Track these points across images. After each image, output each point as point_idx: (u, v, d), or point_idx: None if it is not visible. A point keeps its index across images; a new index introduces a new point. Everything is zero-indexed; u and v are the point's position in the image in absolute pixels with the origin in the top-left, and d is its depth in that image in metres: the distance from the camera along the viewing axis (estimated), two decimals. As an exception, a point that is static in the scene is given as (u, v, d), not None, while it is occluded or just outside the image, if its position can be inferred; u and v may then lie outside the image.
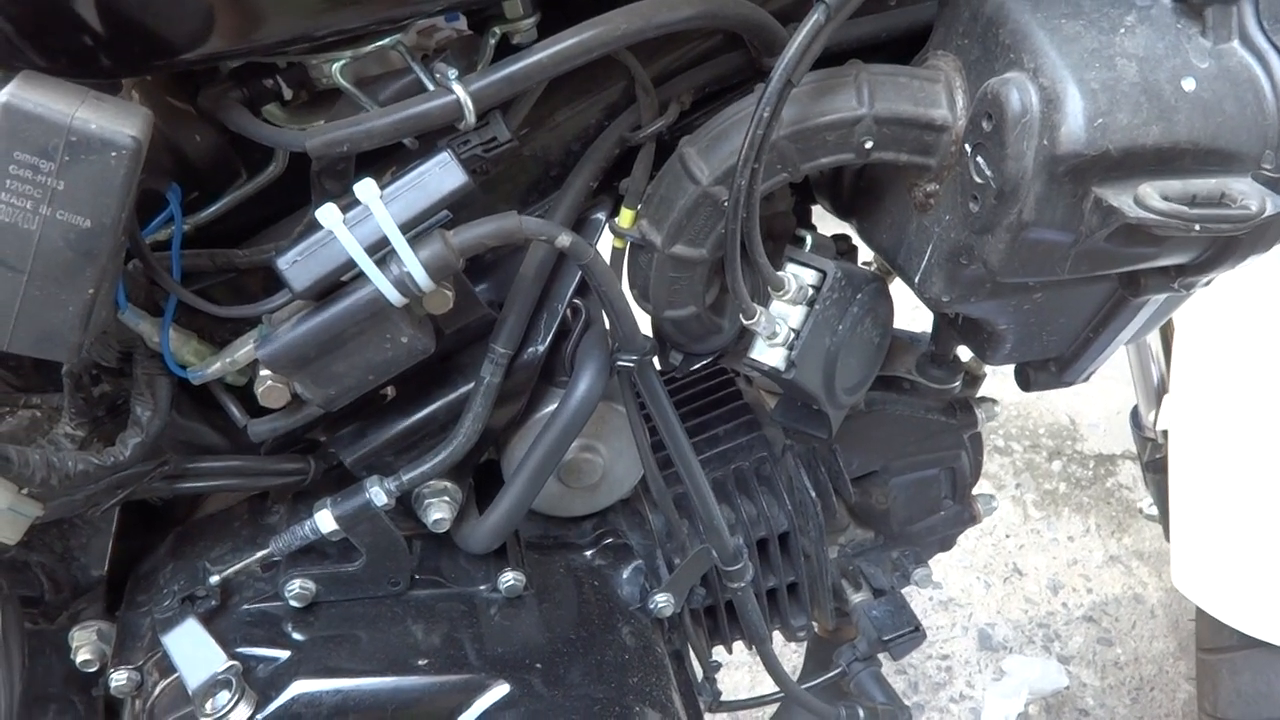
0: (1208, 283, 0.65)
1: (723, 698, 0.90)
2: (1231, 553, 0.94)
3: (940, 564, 1.67)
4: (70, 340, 0.50)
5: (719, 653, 0.91)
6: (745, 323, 0.65)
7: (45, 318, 0.49)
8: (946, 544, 0.96)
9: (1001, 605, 1.62)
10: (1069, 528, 1.72)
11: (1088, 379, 0.75)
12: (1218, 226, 0.53)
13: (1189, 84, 0.55)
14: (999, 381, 1.98)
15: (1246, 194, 0.53)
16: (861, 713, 0.85)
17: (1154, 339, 1.19)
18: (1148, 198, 0.53)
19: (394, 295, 0.56)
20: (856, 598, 0.91)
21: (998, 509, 1.72)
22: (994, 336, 0.70)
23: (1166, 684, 1.49)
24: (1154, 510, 1.46)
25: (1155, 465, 1.22)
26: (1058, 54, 0.55)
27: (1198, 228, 0.52)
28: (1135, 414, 1.26)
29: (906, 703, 1.50)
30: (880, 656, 0.92)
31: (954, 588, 1.64)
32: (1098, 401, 1.90)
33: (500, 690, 0.65)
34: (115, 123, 0.46)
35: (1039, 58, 0.55)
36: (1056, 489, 1.78)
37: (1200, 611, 1.00)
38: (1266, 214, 0.53)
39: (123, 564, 0.78)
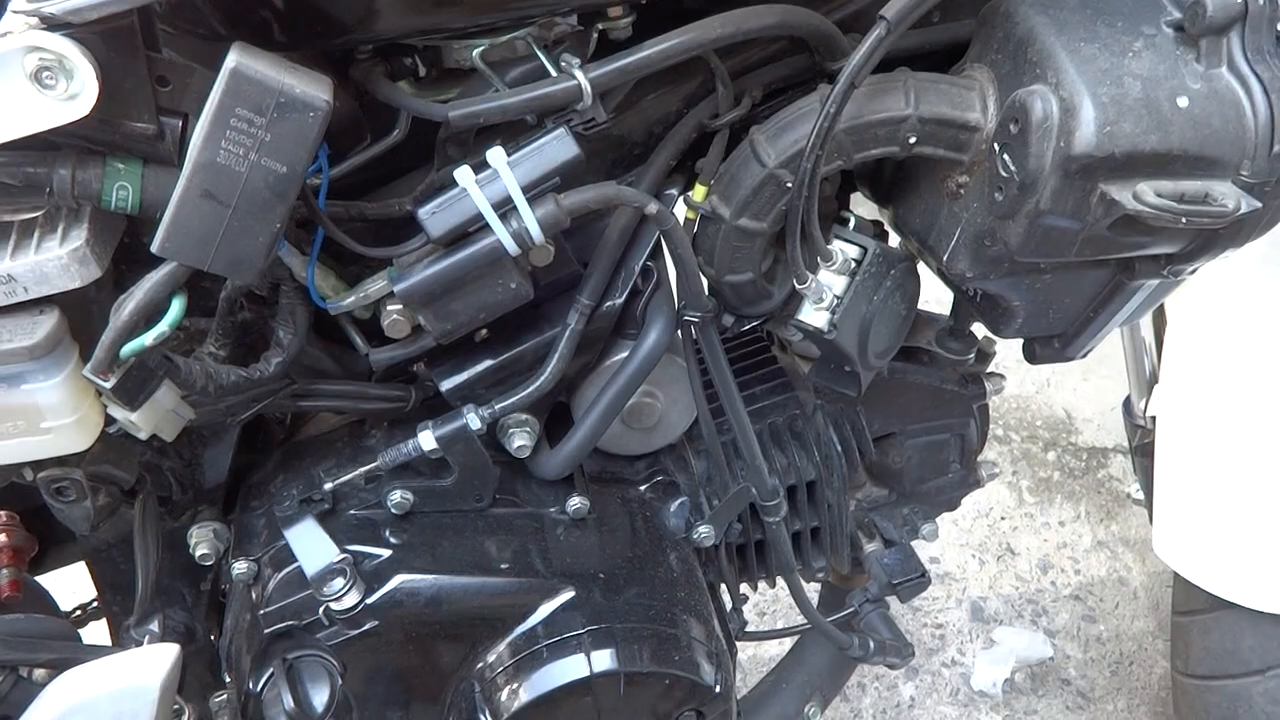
0: (1193, 271, 0.76)
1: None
2: (1206, 522, 1.05)
3: (939, 542, 1.78)
4: (256, 265, 0.61)
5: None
6: (798, 287, 0.76)
7: (241, 245, 0.59)
8: (953, 504, 1.08)
9: (994, 581, 1.73)
10: (1060, 513, 1.83)
11: (1085, 355, 0.86)
12: (1201, 220, 0.64)
13: (1183, 101, 0.66)
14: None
15: (1226, 195, 0.65)
16: (871, 643, 0.96)
17: (1148, 333, 1.30)
18: (1144, 194, 0.64)
19: (512, 246, 0.67)
20: (870, 547, 1.02)
21: (995, 494, 1.84)
22: (1007, 312, 0.81)
23: (1145, 659, 1.60)
24: (1140, 495, 1.56)
25: (1143, 450, 1.33)
26: (1076, 71, 0.66)
27: (1184, 221, 0.64)
28: (1127, 403, 1.37)
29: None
30: (890, 602, 1.03)
31: (950, 563, 1.76)
32: (1093, 398, 2.01)
33: (567, 594, 0.76)
34: (313, 88, 0.57)
35: (1060, 74, 0.66)
36: (1050, 477, 1.90)
37: (1177, 577, 1.11)
38: (1242, 212, 0.64)
39: (232, 477, 0.89)
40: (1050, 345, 0.86)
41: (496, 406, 0.78)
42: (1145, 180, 0.65)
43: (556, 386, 0.79)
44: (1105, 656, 1.62)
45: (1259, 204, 0.66)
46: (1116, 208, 0.65)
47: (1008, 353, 2.14)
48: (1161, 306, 1.18)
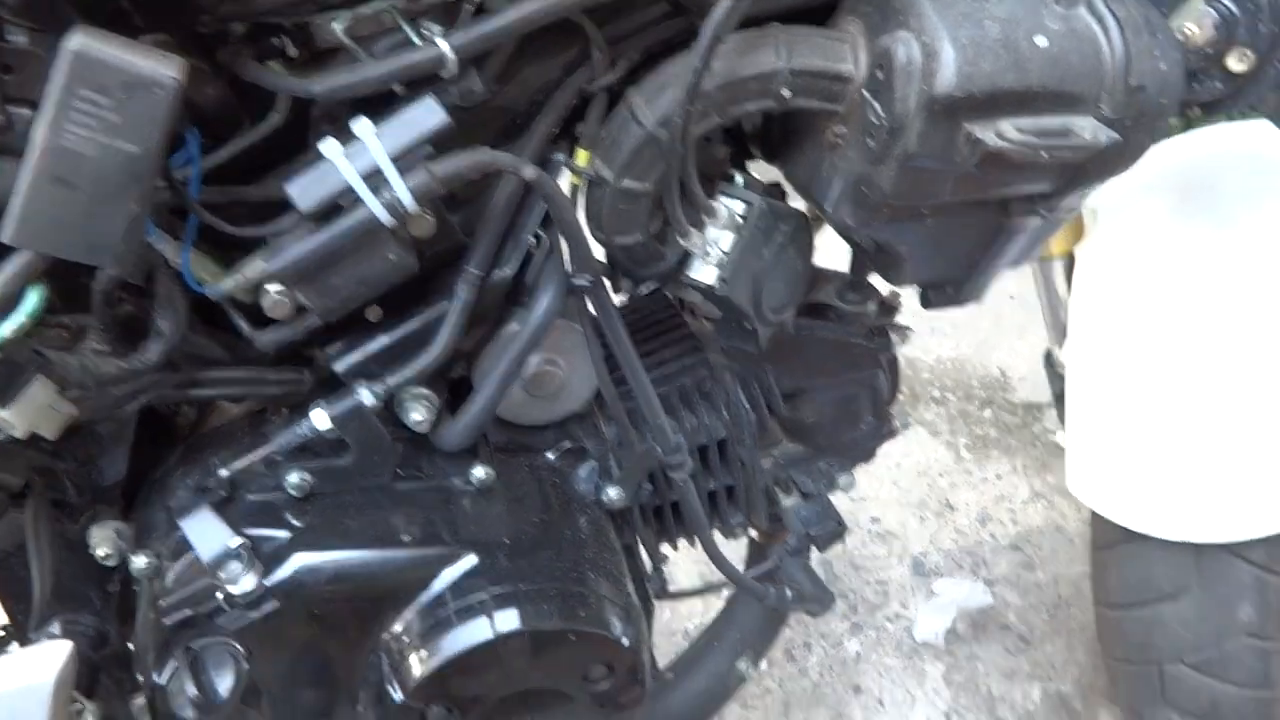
0: (1071, 210, 0.77)
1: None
2: (1115, 457, 1.07)
3: (880, 502, 1.81)
4: (116, 250, 0.60)
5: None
6: (682, 242, 0.76)
7: (97, 230, 0.59)
8: (868, 455, 1.09)
9: (934, 536, 1.76)
10: (997, 467, 1.86)
11: (980, 299, 0.87)
12: (1062, 154, 0.65)
13: (1042, 41, 0.67)
14: (938, 340, 2.11)
15: (1085, 128, 0.66)
16: (789, 593, 0.98)
17: (1061, 286, 1.32)
18: (1006, 131, 0.65)
19: (385, 216, 0.67)
20: (788, 501, 1.03)
21: (934, 453, 1.87)
22: (896, 259, 0.82)
23: (1082, 601, 1.63)
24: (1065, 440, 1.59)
25: (1064, 398, 1.35)
26: (937, 16, 0.66)
27: (1045, 155, 0.65)
28: (1048, 355, 1.40)
29: (847, 622, 1.64)
30: (830, 562, 1.05)
31: (891, 522, 1.78)
32: (1028, 356, 2.04)
33: (470, 560, 0.77)
34: (161, 66, 0.56)
35: (922, 19, 0.67)
36: (987, 434, 1.92)
37: (1094, 514, 1.14)
38: (1101, 144, 0.65)
39: (134, 476, 0.88)
40: (944, 291, 0.87)
41: (390, 382, 0.77)
42: (1008, 119, 0.66)
43: (450, 358, 0.79)
44: (1044, 601, 1.66)
45: (1118, 137, 0.67)
46: (980, 146, 0.65)
47: (943, 315, 2.17)
48: (1073, 258, 1.20)
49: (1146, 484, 1.04)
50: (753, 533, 1.15)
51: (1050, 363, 1.39)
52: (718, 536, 1.02)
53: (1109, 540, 1.12)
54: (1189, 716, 1.14)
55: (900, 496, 1.80)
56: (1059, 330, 1.35)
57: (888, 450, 1.93)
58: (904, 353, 2.10)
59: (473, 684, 0.76)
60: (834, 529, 1.01)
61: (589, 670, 0.79)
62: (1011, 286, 2.13)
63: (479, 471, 0.83)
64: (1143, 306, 1.06)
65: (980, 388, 1.99)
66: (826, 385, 1.01)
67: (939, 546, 1.74)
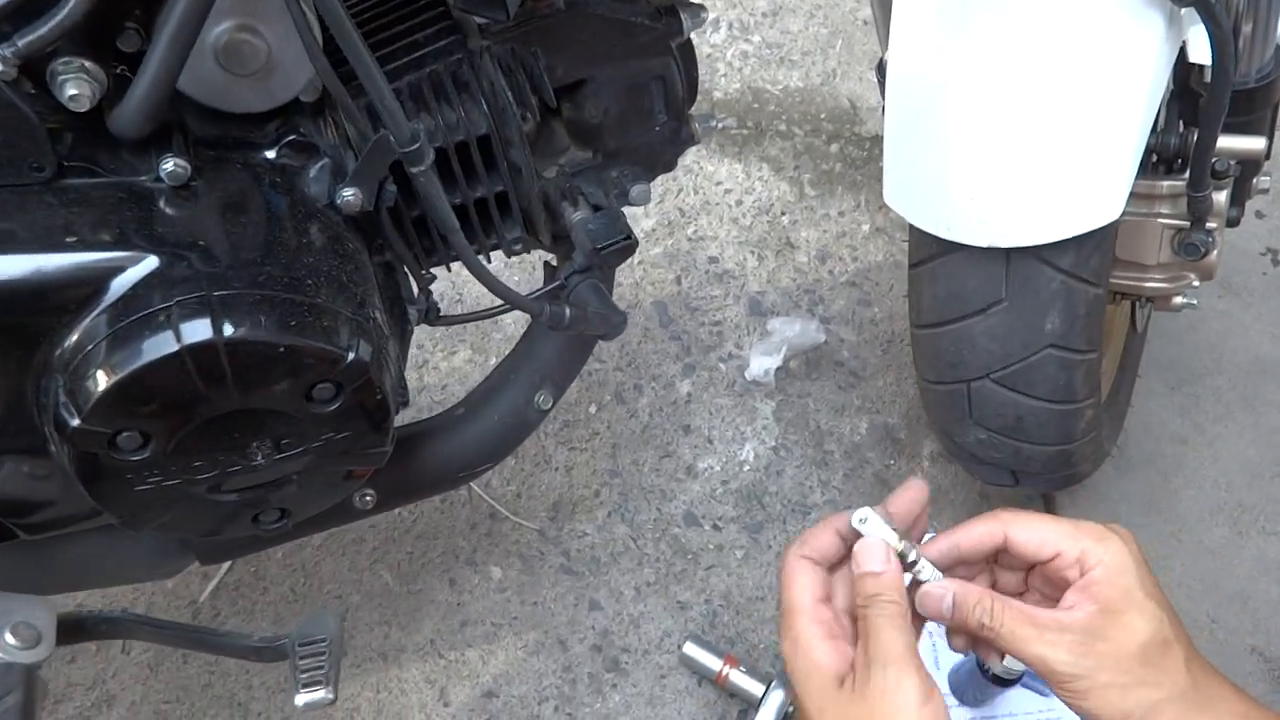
0: None
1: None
2: (929, 167, 0.99)
3: (718, 242, 1.73)
4: None
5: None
6: None
7: None
8: (669, 164, 0.98)
9: (772, 276, 1.70)
10: (841, 204, 1.79)
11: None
12: None
13: None
14: (785, 71, 1.98)
15: None
16: (568, 311, 0.89)
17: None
18: None
19: None
20: (575, 215, 0.93)
21: (776, 190, 1.78)
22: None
23: (913, 336, 1.60)
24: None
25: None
26: None
27: None
28: (880, 64, 1.28)
29: (679, 364, 1.59)
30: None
31: (729, 262, 1.71)
32: (877, 87, 1.92)
33: (149, 264, 0.64)
34: None
35: None
36: (833, 169, 1.84)
37: (910, 229, 1.07)
38: None
39: None
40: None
41: (21, 44, 0.62)
42: None
43: (108, 18, 0.64)
44: (878, 337, 1.63)
45: None
46: None
47: (793, 42, 2.03)
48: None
49: (959, 192, 0.97)
50: (549, 259, 1.05)
51: (881, 72, 1.29)
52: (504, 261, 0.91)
53: (924, 255, 1.06)
54: (994, 433, 1.13)
55: (740, 235, 1.73)
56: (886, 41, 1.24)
57: (729, 188, 1.87)
58: (749, 84, 1.98)
59: (166, 406, 0.66)
60: (623, 244, 0.91)
61: (312, 391, 0.69)
62: (865, 11, 2.00)
63: (169, 165, 0.69)
64: (959, 9, 0.94)
65: (828, 121, 1.88)
66: (609, 76, 0.88)
67: (777, 286, 1.68)
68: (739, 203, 1.76)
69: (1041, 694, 1.24)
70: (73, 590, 0.92)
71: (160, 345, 0.63)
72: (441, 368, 1.56)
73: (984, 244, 0.96)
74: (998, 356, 1.05)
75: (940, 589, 0.68)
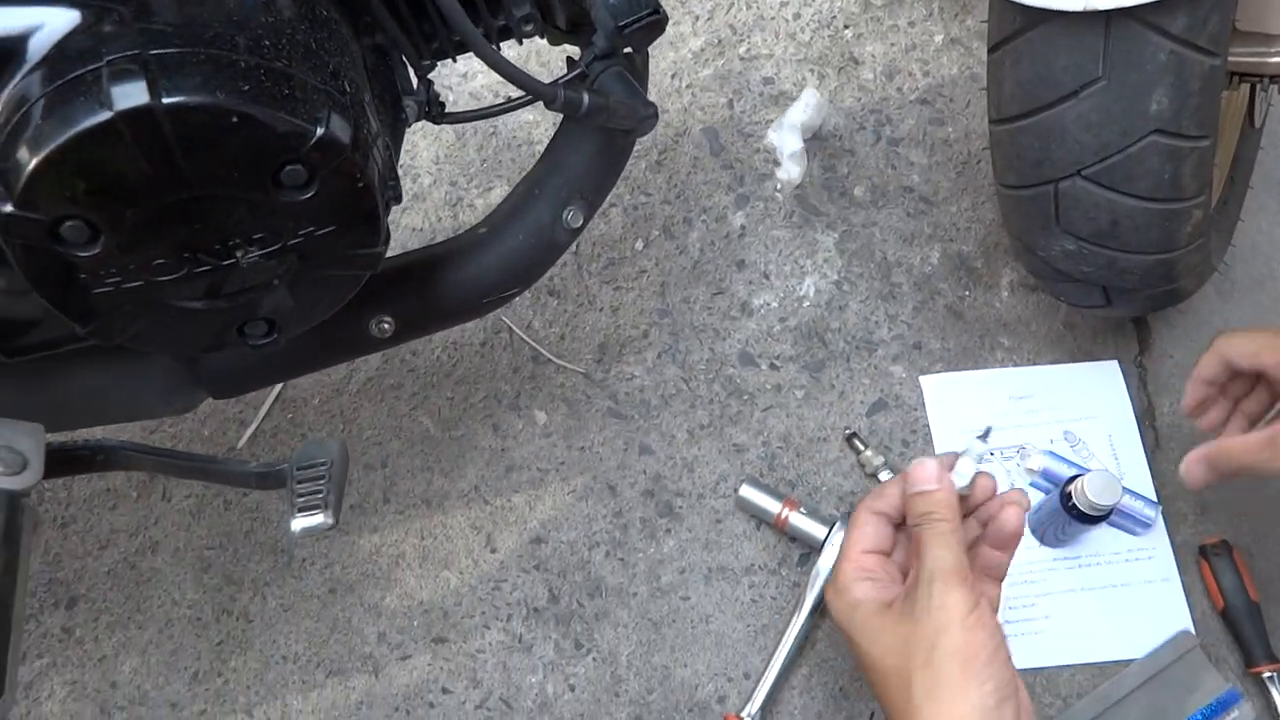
0: None
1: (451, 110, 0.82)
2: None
3: (774, 60, 1.57)
4: None
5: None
6: None
7: None
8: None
9: (834, 96, 1.54)
10: (910, 13, 1.61)
11: None
12: None
13: None
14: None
15: None
16: (587, 97, 0.77)
17: None
18: None
19: None
20: (594, -10, 0.80)
21: (839, 2, 1.61)
22: None
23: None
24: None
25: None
26: None
27: None
28: None
29: (732, 194, 1.47)
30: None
31: (786, 82, 1.56)
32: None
33: (69, 19, 0.54)
34: None
35: None
36: (903, -25, 1.65)
37: (990, 3, 0.92)
38: None
39: None
40: None
41: None
42: None
43: None
44: (951, 159, 1.48)
45: None
46: None
47: None
48: None
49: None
50: (571, 51, 0.93)
51: None
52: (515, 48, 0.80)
53: (1007, 33, 0.91)
54: (1084, 242, 0.99)
55: (797, 52, 1.57)
56: None
57: (785, 0, 1.69)
58: None
59: (106, 186, 0.57)
60: (649, 19, 0.79)
61: (280, 174, 0.60)
62: None
63: (98, -91, 0.59)
64: None
65: (897, -79, 1.69)
66: None
67: (840, 106, 1.53)
68: (796, 16, 1.60)
69: (1132, 533, 1.13)
70: (83, 426, 0.86)
71: (90, 112, 0.53)
72: (478, 205, 1.46)
73: (1079, 7, 0.81)
74: (1091, 149, 0.91)
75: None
